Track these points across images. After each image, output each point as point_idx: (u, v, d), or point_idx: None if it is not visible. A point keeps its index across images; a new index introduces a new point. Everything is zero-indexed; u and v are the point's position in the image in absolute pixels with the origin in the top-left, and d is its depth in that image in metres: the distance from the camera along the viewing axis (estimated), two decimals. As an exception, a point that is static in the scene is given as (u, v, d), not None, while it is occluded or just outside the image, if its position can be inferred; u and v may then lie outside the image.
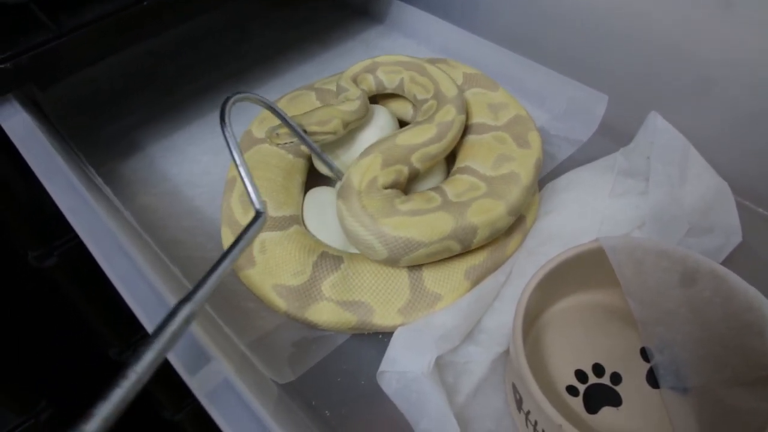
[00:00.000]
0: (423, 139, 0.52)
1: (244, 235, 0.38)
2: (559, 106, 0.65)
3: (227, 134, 0.42)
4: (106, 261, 0.40)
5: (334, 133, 0.53)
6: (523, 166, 0.52)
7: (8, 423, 0.73)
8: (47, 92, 0.80)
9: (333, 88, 0.64)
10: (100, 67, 0.86)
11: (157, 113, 0.77)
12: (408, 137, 0.52)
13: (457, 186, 0.51)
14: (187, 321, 0.30)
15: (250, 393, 0.33)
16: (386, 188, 0.50)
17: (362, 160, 0.51)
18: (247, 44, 0.90)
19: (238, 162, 0.41)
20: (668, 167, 0.56)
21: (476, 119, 0.59)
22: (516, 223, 0.54)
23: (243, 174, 0.41)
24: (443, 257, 0.50)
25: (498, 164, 0.53)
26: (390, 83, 0.61)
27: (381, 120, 0.60)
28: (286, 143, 0.52)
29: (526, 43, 0.74)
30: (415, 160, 0.52)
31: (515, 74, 0.69)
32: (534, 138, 0.55)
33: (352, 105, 0.55)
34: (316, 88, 0.65)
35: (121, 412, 0.26)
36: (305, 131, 0.52)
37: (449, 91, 0.56)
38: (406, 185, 0.54)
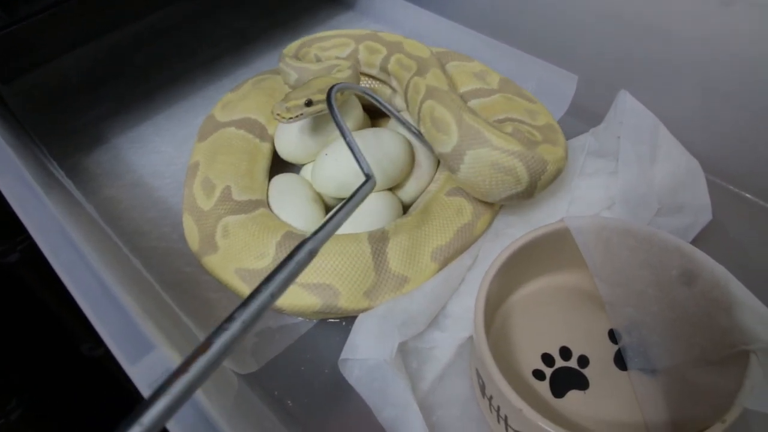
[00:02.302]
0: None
1: (354, 196, 0.39)
2: (528, 87, 0.63)
3: (337, 117, 0.46)
4: (53, 255, 0.38)
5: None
6: (549, 116, 0.56)
7: (-22, 423, 0.72)
8: (11, 85, 0.79)
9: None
10: (69, 59, 0.84)
11: (125, 104, 0.76)
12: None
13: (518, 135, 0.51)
14: (311, 255, 0.32)
15: (199, 389, 0.32)
16: None
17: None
18: (218, 32, 0.89)
19: (348, 139, 0.45)
20: (638, 146, 0.55)
21: (469, 87, 0.60)
22: (484, 202, 0.53)
23: (353, 146, 0.44)
24: (510, 189, 0.49)
25: (532, 116, 0.55)
26: (341, 53, 0.62)
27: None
28: (296, 116, 0.51)
29: (495, 24, 0.73)
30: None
31: (484, 56, 0.67)
32: (530, 95, 0.58)
33: (345, 73, 0.56)
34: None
35: (223, 358, 0.26)
36: (311, 101, 0.51)
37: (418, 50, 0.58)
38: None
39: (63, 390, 0.72)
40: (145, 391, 0.30)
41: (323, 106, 0.52)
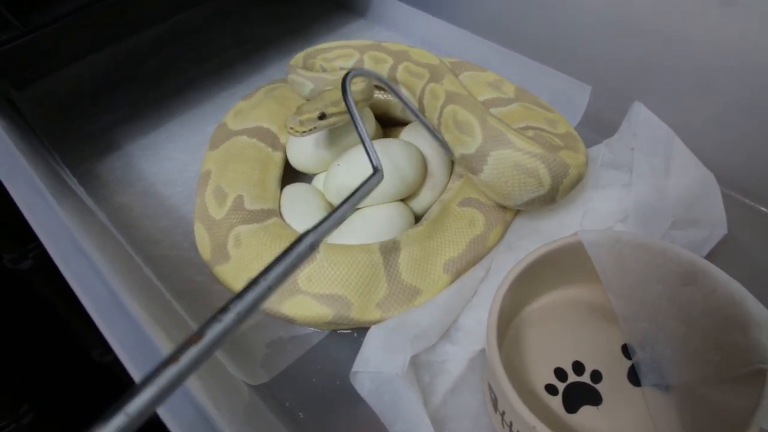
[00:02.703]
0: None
1: (360, 188, 0.38)
2: (541, 97, 0.63)
3: (350, 105, 0.45)
4: (64, 263, 0.38)
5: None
6: (568, 125, 0.56)
7: (-11, 427, 0.72)
8: (25, 91, 0.79)
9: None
10: (82, 65, 0.85)
11: (136, 111, 0.76)
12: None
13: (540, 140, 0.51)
14: (312, 248, 0.31)
15: (210, 402, 0.32)
16: None
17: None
18: (228, 40, 0.89)
19: (361, 131, 0.44)
20: (652, 158, 0.55)
21: (485, 96, 0.60)
22: (496, 213, 0.53)
23: (364, 136, 0.43)
24: (532, 192, 0.49)
25: (552, 125, 0.54)
26: (345, 64, 0.63)
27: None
28: (309, 130, 0.51)
29: (508, 33, 0.73)
30: None
31: (497, 65, 0.67)
32: (547, 104, 0.58)
33: (358, 86, 0.55)
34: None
35: (215, 349, 0.25)
36: (324, 114, 0.51)
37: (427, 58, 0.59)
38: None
39: (73, 395, 0.73)
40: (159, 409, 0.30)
41: (337, 118, 0.51)
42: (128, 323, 0.34)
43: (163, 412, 0.30)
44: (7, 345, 0.74)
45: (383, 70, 0.61)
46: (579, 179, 0.50)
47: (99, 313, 0.35)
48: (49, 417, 0.77)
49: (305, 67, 0.60)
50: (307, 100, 0.54)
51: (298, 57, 0.62)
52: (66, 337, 0.79)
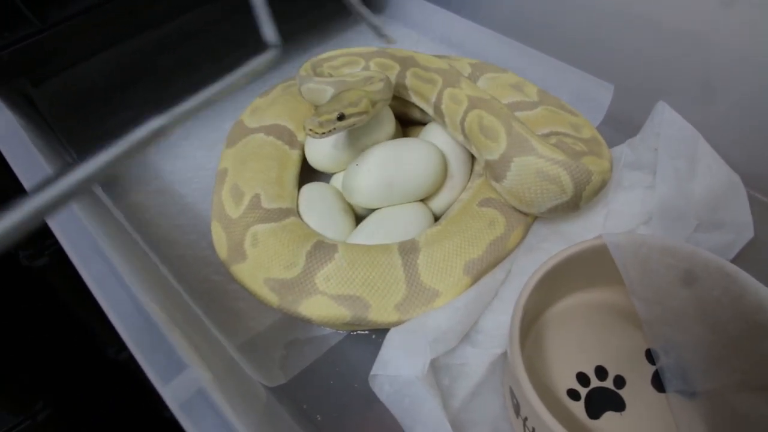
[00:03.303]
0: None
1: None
2: (563, 96, 0.62)
3: None
4: (82, 262, 0.38)
5: (367, 112, 0.52)
6: (592, 128, 0.55)
7: (5, 424, 0.72)
8: (41, 88, 0.79)
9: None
10: (97, 62, 0.84)
11: (152, 108, 0.76)
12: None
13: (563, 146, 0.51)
14: (159, 132, 0.29)
15: (227, 404, 0.31)
16: None
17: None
18: (245, 36, 0.88)
19: None
20: (676, 160, 0.54)
21: (509, 99, 0.59)
22: (517, 215, 0.52)
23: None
24: (555, 199, 0.49)
25: (577, 130, 0.54)
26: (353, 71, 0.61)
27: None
28: (328, 131, 0.50)
29: (530, 31, 0.72)
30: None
31: (518, 64, 0.67)
32: (570, 107, 0.57)
33: (376, 85, 0.54)
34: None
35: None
36: (343, 115, 0.50)
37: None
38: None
39: (88, 392, 0.73)
40: (178, 412, 0.30)
41: (355, 119, 0.51)
42: (144, 322, 0.34)
43: (180, 413, 0.30)
44: (22, 342, 0.74)
45: (391, 77, 0.60)
46: (603, 185, 0.49)
47: (115, 311, 0.34)
48: (64, 414, 0.77)
49: (317, 75, 0.59)
50: None
51: (306, 66, 0.61)
52: (81, 334, 0.79)
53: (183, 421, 0.29)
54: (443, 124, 0.56)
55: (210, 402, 0.30)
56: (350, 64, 0.61)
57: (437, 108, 0.56)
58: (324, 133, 0.49)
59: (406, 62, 0.59)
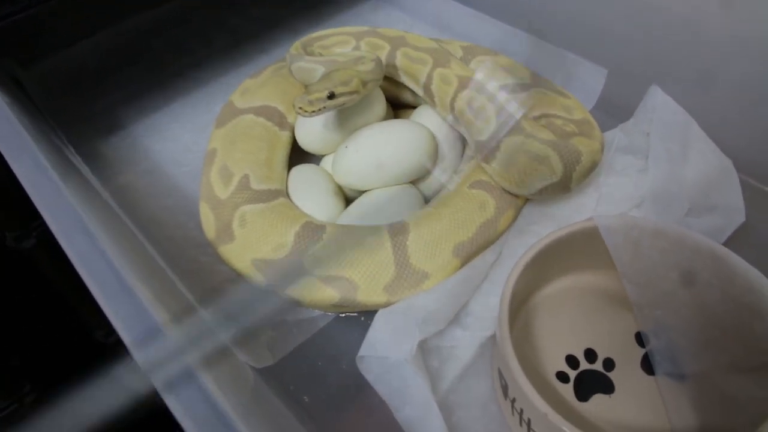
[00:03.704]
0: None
1: None
2: (555, 80, 0.62)
3: None
4: (68, 242, 0.37)
5: (357, 92, 0.51)
6: (584, 110, 0.55)
7: (-8, 407, 0.72)
8: (30, 70, 0.78)
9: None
10: (87, 44, 0.83)
11: (142, 90, 0.75)
12: None
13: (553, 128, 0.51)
14: None
15: (215, 384, 0.31)
16: None
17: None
18: (237, 19, 0.87)
19: None
20: (669, 143, 0.54)
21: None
22: (507, 197, 0.52)
23: None
24: (545, 180, 0.49)
25: (568, 111, 0.54)
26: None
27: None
28: (318, 110, 0.49)
29: (522, 15, 0.71)
30: None
31: (511, 48, 0.66)
32: (562, 89, 0.57)
33: (368, 65, 0.53)
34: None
35: None
36: (333, 93, 0.49)
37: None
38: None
39: (76, 375, 0.72)
40: (162, 389, 0.30)
41: (345, 98, 0.50)
42: (132, 304, 0.34)
43: (168, 395, 0.30)
44: (9, 325, 0.73)
45: (381, 57, 0.59)
46: (593, 166, 0.49)
47: (103, 293, 0.34)
48: (51, 396, 0.76)
49: (307, 54, 0.59)
50: None
51: (296, 45, 0.60)
52: (69, 317, 0.79)
53: (169, 401, 0.29)
54: (433, 104, 0.56)
55: (197, 383, 0.30)
56: (341, 44, 0.61)
57: (427, 88, 0.56)
58: (314, 111, 0.49)
59: (396, 42, 0.59)
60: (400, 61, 0.58)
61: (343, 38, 0.61)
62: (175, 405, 0.29)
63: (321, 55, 0.59)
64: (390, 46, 0.59)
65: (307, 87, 0.50)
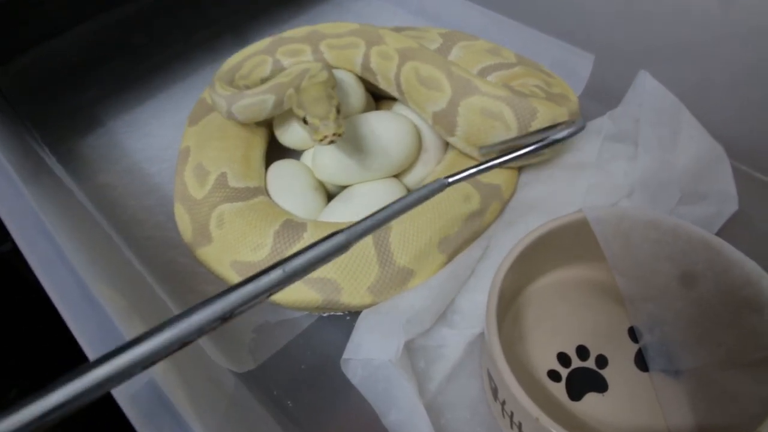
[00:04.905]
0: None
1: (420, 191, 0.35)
2: (542, 67, 0.60)
3: None
4: (28, 247, 0.36)
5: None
6: (566, 88, 0.53)
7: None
8: (4, 66, 0.76)
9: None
10: (64, 39, 0.81)
11: (120, 86, 0.73)
12: None
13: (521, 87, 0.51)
14: (343, 248, 0.29)
15: (182, 395, 0.29)
16: None
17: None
18: (217, 12, 0.85)
19: None
20: (659, 130, 0.52)
21: (486, 63, 0.57)
22: (491, 190, 0.50)
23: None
24: (502, 137, 0.48)
25: (548, 85, 0.52)
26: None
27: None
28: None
29: (506, 1, 0.70)
30: None
31: (494, 35, 0.64)
32: (549, 70, 0.56)
33: (322, 75, 0.51)
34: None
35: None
36: (338, 107, 0.46)
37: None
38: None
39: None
40: (125, 405, 0.28)
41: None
42: (93, 312, 0.32)
43: (128, 407, 0.28)
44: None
45: (306, 57, 0.58)
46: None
47: (62, 300, 0.32)
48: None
49: (234, 85, 0.55)
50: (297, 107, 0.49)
51: (219, 86, 0.54)
52: (53, 320, 0.77)
53: (131, 414, 0.27)
54: (376, 82, 0.55)
55: (160, 394, 0.28)
56: (259, 65, 0.58)
57: (366, 68, 0.55)
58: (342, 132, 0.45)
59: (312, 39, 0.58)
60: (328, 55, 0.57)
61: (257, 59, 0.58)
62: (136, 417, 0.28)
63: (248, 86, 0.56)
64: (311, 47, 0.58)
65: (311, 112, 0.46)
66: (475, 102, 0.48)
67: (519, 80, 0.54)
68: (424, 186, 0.35)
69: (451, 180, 0.36)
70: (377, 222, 0.31)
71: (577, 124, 0.40)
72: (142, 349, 0.22)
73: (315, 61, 0.58)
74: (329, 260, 0.28)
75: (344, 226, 0.44)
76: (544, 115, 0.47)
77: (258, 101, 0.52)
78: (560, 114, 0.48)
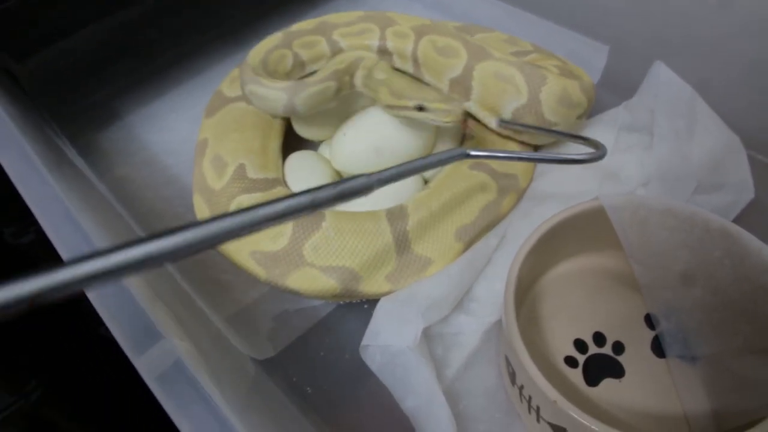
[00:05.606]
0: None
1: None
2: (556, 59, 0.61)
3: None
4: (57, 236, 0.36)
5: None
6: (581, 72, 0.54)
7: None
8: (24, 63, 0.77)
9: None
10: (82, 36, 0.82)
11: (137, 81, 0.74)
12: None
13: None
14: (365, 190, 0.33)
15: (207, 376, 0.30)
16: None
17: None
18: (230, 7, 0.86)
19: None
20: (674, 120, 0.52)
21: (504, 51, 0.58)
22: (508, 180, 0.50)
23: None
24: (513, 101, 0.50)
25: (564, 65, 0.54)
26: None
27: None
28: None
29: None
30: None
31: (508, 27, 0.64)
32: (565, 59, 0.57)
33: (382, 64, 0.53)
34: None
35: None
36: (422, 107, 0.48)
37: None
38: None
39: (81, 370, 0.71)
40: (154, 386, 0.29)
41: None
42: (125, 299, 0.33)
43: (155, 386, 0.29)
44: (11, 322, 0.72)
45: (324, 52, 0.59)
46: (564, 94, 0.49)
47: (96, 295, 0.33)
48: (57, 392, 0.76)
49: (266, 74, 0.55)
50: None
51: (254, 58, 0.55)
52: (73, 312, 0.78)
53: (158, 394, 0.28)
54: (391, 62, 0.57)
55: (191, 376, 0.29)
56: (282, 60, 0.58)
57: (382, 50, 0.57)
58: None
59: (323, 29, 0.59)
60: (344, 43, 0.58)
61: (278, 53, 0.58)
62: (163, 397, 0.28)
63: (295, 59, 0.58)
64: (324, 37, 0.59)
65: (424, 98, 0.47)
66: (488, 66, 0.50)
67: (536, 62, 0.54)
68: (446, 150, 0.39)
69: (472, 153, 0.39)
70: (397, 173, 0.36)
71: (600, 151, 0.42)
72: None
73: (332, 51, 0.59)
74: (351, 198, 0.32)
75: (363, 213, 0.45)
76: (554, 83, 0.49)
77: (323, 89, 0.52)
78: (571, 86, 0.49)
